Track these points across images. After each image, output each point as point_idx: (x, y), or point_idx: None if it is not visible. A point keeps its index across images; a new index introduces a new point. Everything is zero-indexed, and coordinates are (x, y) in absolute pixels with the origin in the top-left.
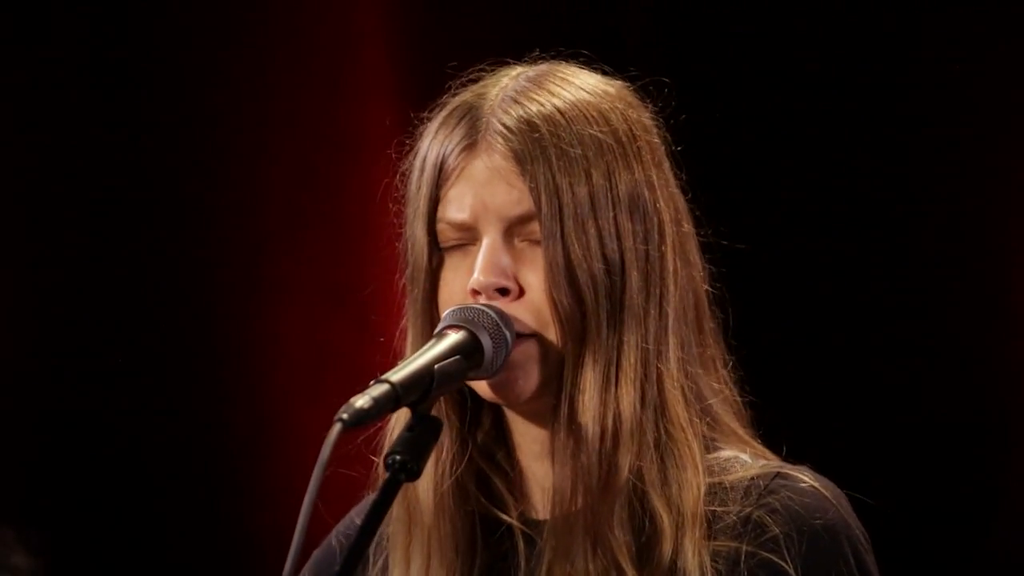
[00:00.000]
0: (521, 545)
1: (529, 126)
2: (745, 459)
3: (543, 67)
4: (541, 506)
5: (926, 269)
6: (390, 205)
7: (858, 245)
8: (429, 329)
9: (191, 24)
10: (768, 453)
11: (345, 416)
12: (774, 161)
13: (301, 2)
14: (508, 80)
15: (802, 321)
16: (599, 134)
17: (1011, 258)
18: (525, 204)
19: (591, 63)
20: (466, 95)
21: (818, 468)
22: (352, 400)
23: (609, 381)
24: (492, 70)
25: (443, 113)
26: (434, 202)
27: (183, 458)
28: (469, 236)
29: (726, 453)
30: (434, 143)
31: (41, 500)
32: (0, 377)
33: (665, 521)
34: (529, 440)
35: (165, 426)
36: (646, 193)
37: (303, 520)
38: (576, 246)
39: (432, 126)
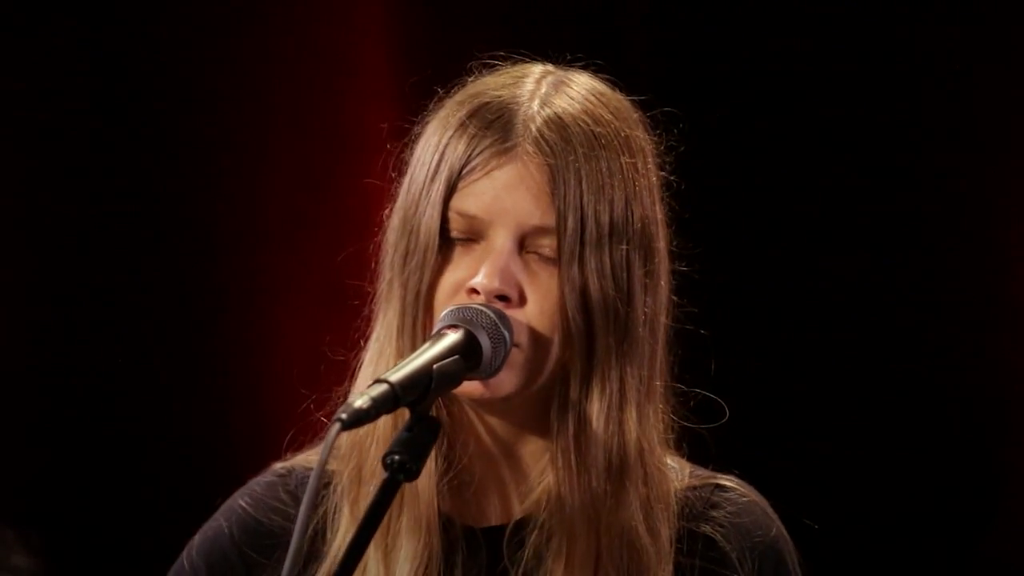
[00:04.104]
0: (464, 550)
1: (568, 144)
2: (672, 465)
3: (578, 79)
4: (494, 514)
5: (926, 270)
6: (391, 174)
7: (859, 247)
8: (423, 313)
9: (191, 24)
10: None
11: (344, 416)
12: (774, 163)
13: (302, 3)
14: (536, 84)
15: (803, 321)
16: (626, 163)
17: (1011, 256)
18: (547, 218)
19: (600, 71)
20: (499, 92)
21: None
22: (351, 400)
23: (614, 407)
24: (512, 60)
25: (469, 104)
26: (451, 191)
27: (183, 458)
28: (475, 232)
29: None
30: (460, 135)
31: (41, 500)
32: (0, 377)
33: (651, 551)
34: (494, 440)
35: (165, 426)
36: (652, 228)
37: (302, 520)
38: (592, 270)
39: (453, 113)
